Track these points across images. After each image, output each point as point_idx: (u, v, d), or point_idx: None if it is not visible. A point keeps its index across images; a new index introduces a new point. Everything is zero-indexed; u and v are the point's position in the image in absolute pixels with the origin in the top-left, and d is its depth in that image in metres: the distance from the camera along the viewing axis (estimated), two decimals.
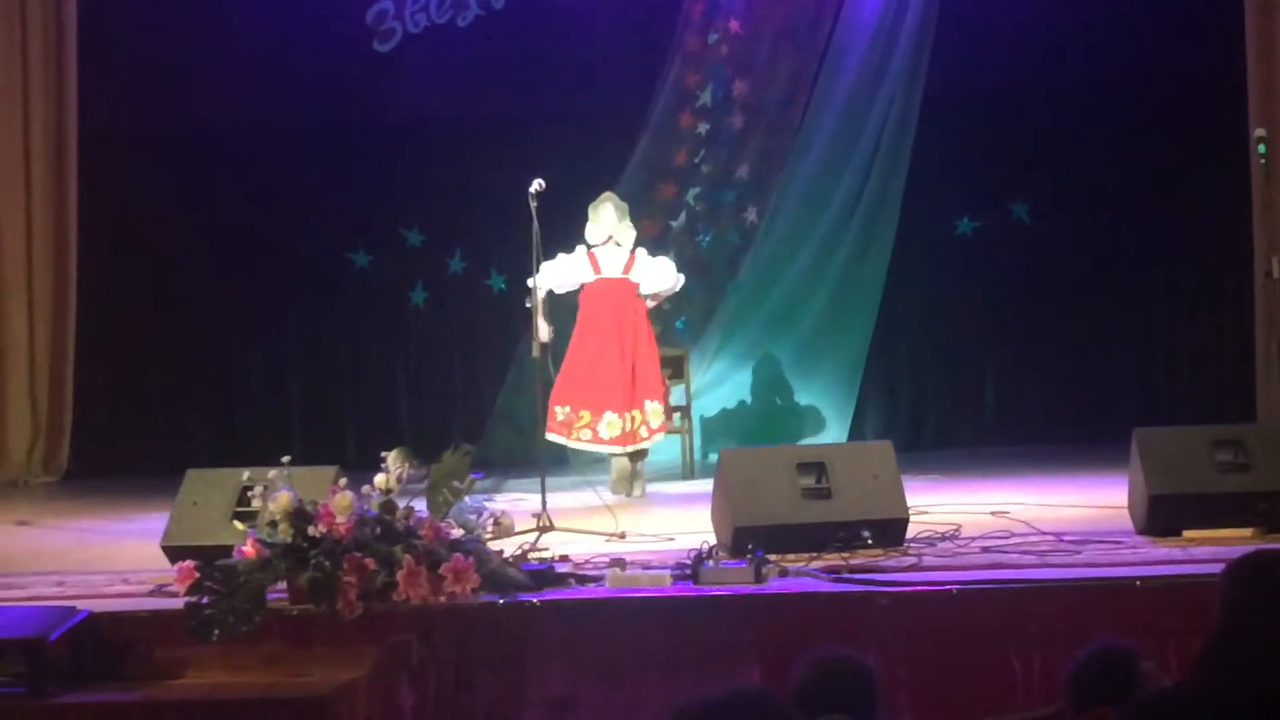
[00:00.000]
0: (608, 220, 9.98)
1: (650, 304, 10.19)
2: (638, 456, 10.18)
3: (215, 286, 12.64)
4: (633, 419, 9.95)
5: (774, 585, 6.44)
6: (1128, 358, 12.25)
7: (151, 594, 6.76)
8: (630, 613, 6.32)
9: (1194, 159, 12.05)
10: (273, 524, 6.34)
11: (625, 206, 10.15)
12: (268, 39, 12.52)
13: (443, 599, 6.23)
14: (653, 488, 10.55)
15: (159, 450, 12.12)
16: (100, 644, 6.30)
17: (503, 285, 12.35)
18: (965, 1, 12.08)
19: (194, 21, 12.60)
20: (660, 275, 10.12)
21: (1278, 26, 11.76)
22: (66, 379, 12.54)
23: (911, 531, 7.33)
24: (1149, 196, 12.22)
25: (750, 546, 6.60)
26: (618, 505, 9.03)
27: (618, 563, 6.80)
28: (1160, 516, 7.19)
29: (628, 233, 10.06)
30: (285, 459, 6.62)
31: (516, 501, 8.86)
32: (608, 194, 10.20)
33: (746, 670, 6.10)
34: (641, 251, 10.11)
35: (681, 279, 10.30)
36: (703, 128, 12.38)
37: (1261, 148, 9.12)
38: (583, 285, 10.02)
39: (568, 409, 9.90)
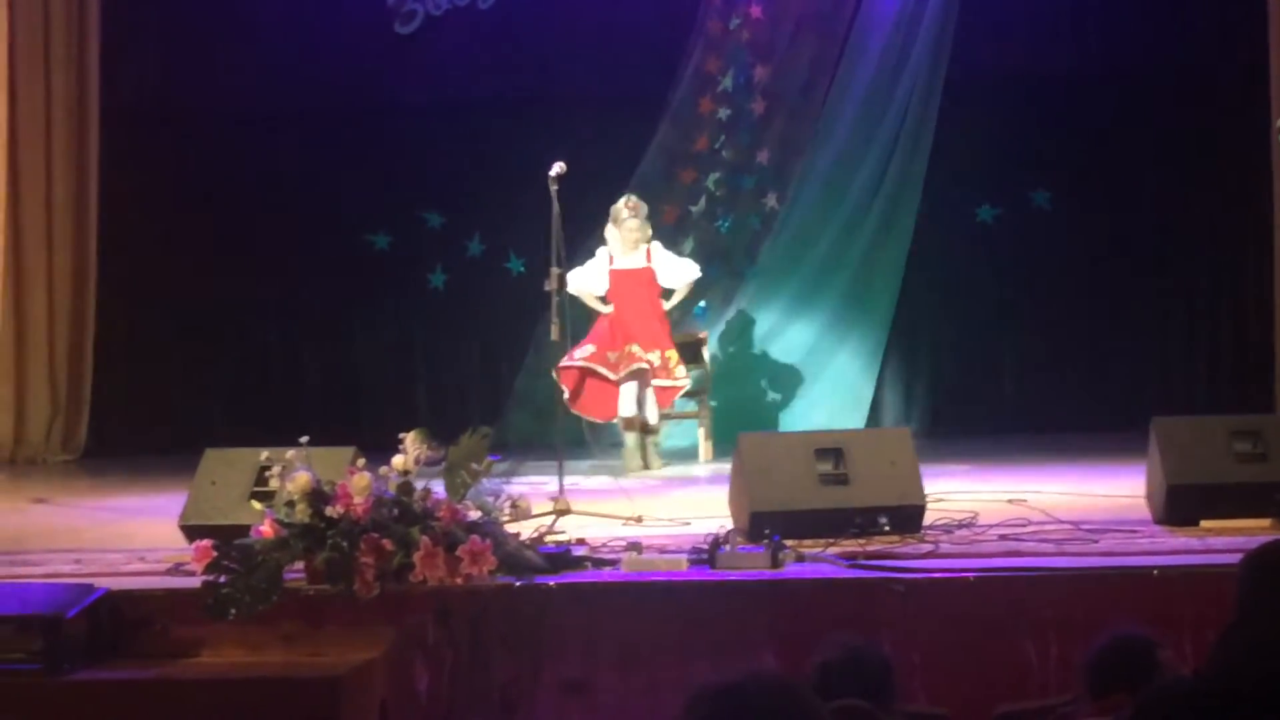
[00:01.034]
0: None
1: None
2: (648, 431, 10.55)
3: (235, 267, 12.65)
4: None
5: (790, 571, 6.44)
6: (1147, 347, 12.21)
7: (169, 572, 6.78)
8: (646, 596, 6.32)
9: (1215, 148, 12.02)
10: (290, 504, 6.35)
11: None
12: (289, 20, 12.54)
13: (459, 580, 6.23)
14: (670, 471, 10.59)
15: (177, 429, 12.15)
16: (117, 622, 6.32)
17: (522, 268, 12.35)
18: None
19: (216, 2, 12.60)
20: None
21: None
22: (86, 358, 12.57)
23: (928, 519, 7.32)
24: (1169, 185, 12.19)
25: (767, 531, 6.60)
26: (635, 488, 9.02)
27: (634, 546, 6.80)
28: (1178, 506, 7.17)
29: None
30: (303, 439, 6.62)
31: (534, 484, 8.86)
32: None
33: (762, 655, 6.10)
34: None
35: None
36: (723, 113, 12.37)
37: None
38: None
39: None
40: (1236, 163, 11.90)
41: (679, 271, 10.80)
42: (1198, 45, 12.02)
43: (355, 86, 12.58)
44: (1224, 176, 12.03)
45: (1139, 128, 12.17)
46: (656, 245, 10.75)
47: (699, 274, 10.92)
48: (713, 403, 11.37)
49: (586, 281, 10.64)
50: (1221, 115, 11.98)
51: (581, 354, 10.43)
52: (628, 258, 10.65)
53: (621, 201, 10.70)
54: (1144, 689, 3.95)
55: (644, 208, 10.74)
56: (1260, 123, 11.33)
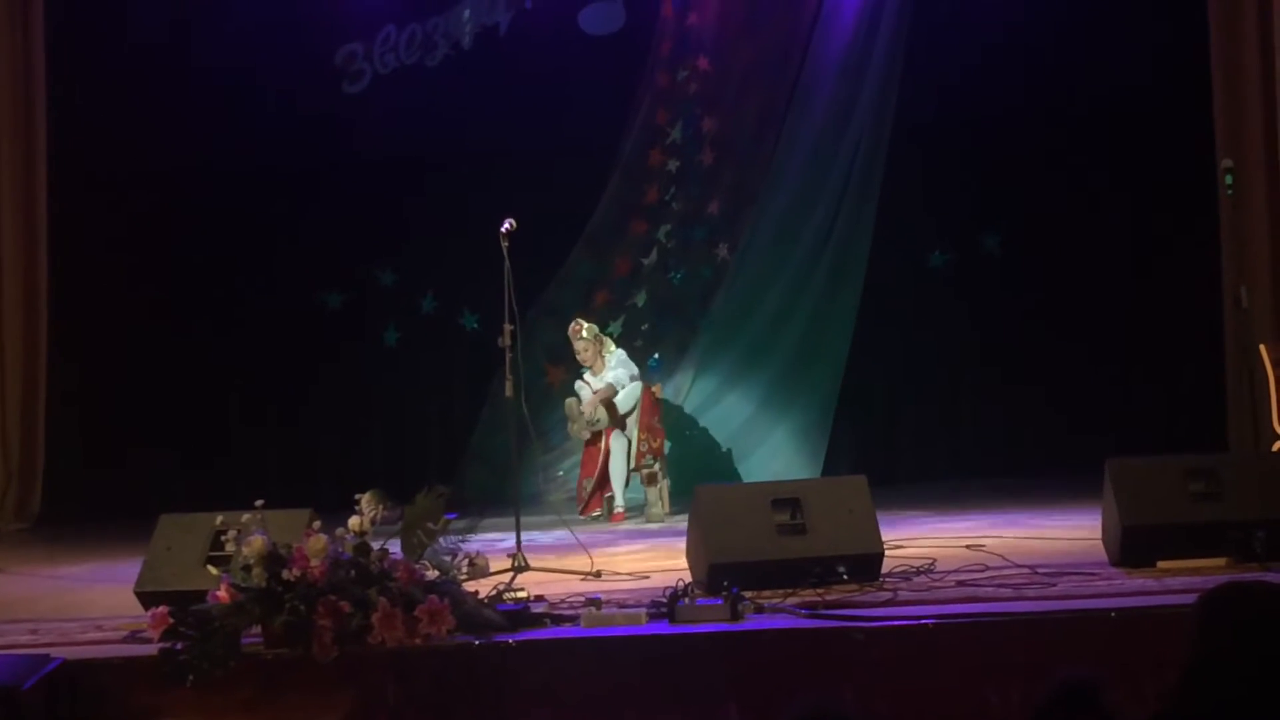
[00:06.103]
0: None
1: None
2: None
3: (187, 329, 12.62)
4: None
5: (750, 622, 6.43)
6: (1099, 388, 12.25)
7: (125, 640, 6.73)
8: (606, 652, 6.30)
9: (1163, 190, 12.10)
10: (247, 568, 6.31)
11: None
12: (237, 80, 12.52)
13: (418, 641, 6.21)
14: (627, 525, 10.58)
15: (132, 495, 12.07)
16: (75, 691, 6.26)
17: (475, 325, 12.34)
18: (932, 37, 12.12)
19: (163, 63, 12.60)
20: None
21: (1244, 59, 11.85)
22: (39, 425, 12.49)
23: (886, 566, 7.33)
24: (1119, 228, 12.26)
25: (726, 583, 6.59)
26: (592, 543, 9.01)
27: (593, 602, 6.78)
28: (1134, 547, 7.19)
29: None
30: (259, 502, 6.59)
31: (492, 541, 8.85)
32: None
33: (724, 708, 6.09)
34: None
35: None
36: (673, 164, 12.41)
37: (1229, 178, 9.16)
38: None
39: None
40: (1184, 203, 11.99)
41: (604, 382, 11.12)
42: (1143, 87, 12.11)
43: (305, 146, 12.58)
44: (1172, 217, 12.11)
45: (1087, 170, 12.25)
46: (611, 360, 11.15)
47: (619, 388, 11.08)
48: (669, 454, 11.38)
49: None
50: (1169, 156, 12.07)
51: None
52: (595, 378, 11.18)
53: (570, 327, 11.21)
54: None
55: (587, 327, 11.15)
56: (1206, 161, 11.43)
